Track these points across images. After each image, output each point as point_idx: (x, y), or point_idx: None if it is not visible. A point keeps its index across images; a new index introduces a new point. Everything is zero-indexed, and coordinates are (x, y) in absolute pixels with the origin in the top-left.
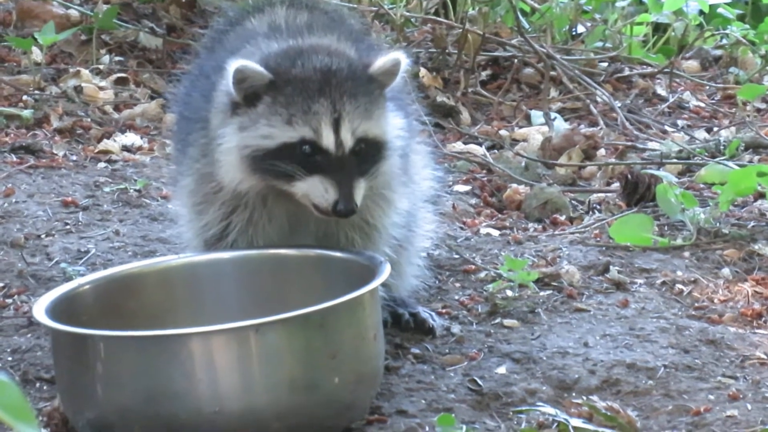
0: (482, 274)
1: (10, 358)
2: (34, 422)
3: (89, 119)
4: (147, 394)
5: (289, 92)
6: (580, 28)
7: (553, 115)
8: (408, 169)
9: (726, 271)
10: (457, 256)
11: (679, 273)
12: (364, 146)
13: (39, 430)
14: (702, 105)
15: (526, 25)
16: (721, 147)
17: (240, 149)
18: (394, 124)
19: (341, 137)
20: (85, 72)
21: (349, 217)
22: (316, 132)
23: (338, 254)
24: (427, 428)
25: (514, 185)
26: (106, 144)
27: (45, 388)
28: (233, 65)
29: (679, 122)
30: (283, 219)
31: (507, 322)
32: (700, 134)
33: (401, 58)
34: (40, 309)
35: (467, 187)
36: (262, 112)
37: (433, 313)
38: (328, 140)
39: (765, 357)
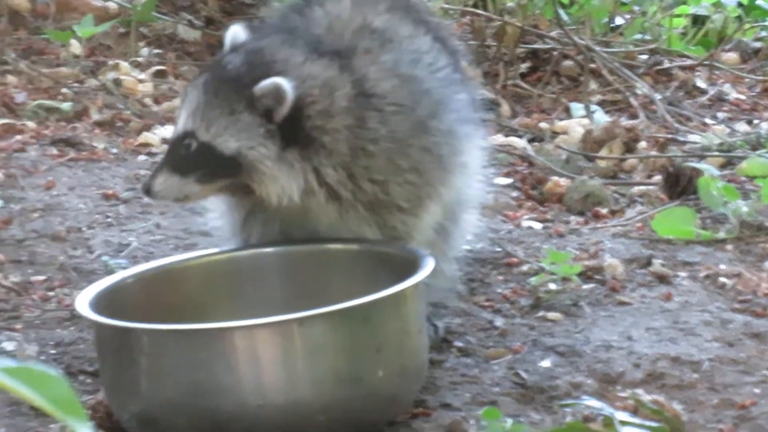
0: (525, 267)
1: (53, 351)
2: (84, 416)
3: (129, 112)
4: (191, 388)
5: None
6: (619, 20)
7: (593, 107)
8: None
9: None
10: (499, 249)
11: (722, 266)
12: (196, 146)
13: (89, 425)
14: (742, 97)
15: (565, 17)
16: (762, 139)
17: None
18: (262, 152)
19: (176, 129)
20: (123, 64)
21: (148, 197)
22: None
23: (381, 248)
24: (472, 422)
25: (555, 178)
26: (145, 136)
27: (88, 381)
28: None
29: (720, 115)
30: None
31: (550, 315)
32: (741, 126)
33: (282, 83)
34: (83, 302)
35: (508, 180)
36: None
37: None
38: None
39: None
